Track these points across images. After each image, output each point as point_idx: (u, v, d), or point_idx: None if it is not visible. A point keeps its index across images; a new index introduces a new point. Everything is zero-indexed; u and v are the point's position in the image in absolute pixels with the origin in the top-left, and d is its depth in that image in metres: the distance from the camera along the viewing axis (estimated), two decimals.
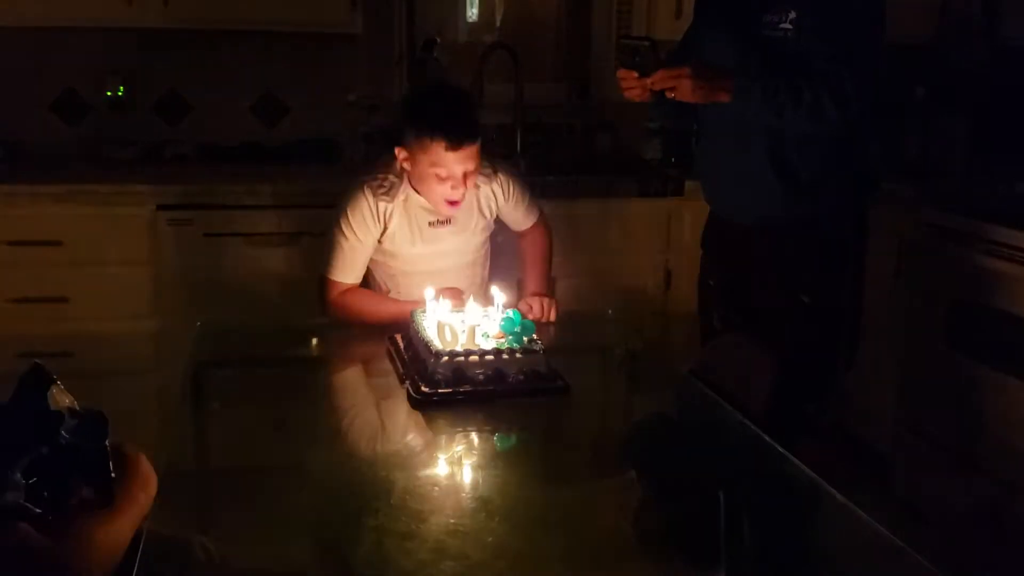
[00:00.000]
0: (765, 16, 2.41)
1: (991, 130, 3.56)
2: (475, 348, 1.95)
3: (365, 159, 3.52)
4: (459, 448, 1.79)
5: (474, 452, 1.79)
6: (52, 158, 3.45)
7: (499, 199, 2.53)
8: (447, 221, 2.44)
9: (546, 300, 2.44)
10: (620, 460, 1.86)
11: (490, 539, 1.43)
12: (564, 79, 4.06)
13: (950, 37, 3.69)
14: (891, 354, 3.33)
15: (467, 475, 1.68)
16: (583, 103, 3.99)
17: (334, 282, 2.42)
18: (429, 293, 2.13)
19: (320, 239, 2.90)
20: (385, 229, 2.41)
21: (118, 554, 1.16)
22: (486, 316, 2.05)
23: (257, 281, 3.17)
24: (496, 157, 2.61)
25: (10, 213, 3.08)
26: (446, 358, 1.91)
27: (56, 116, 3.59)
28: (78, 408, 1.20)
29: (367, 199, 2.39)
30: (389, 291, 2.54)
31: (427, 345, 1.96)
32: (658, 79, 2.34)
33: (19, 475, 1.09)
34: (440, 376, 1.90)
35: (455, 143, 2.26)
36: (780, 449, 1.74)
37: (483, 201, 2.51)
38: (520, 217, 2.61)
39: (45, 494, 1.12)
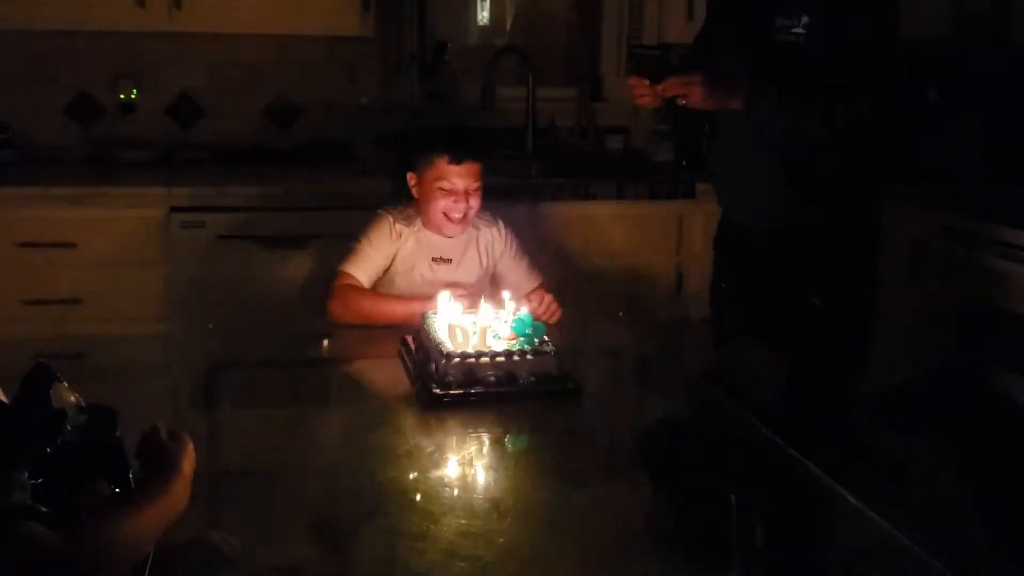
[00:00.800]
0: (777, 20, 2.40)
1: (1005, 133, 3.54)
2: (486, 350, 1.96)
3: (377, 162, 3.54)
4: (470, 449, 1.79)
5: (485, 453, 1.79)
6: (65, 161, 3.47)
7: (497, 247, 2.62)
8: (448, 260, 2.54)
9: (547, 296, 2.43)
10: (632, 462, 1.86)
11: (501, 540, 1.43)
12: (575, 81, 4.05)
13: (964, 39, 3.68)
14: (904, 357, 3.31)
15: (478, 476, 1.68)
16: (594, 106, 3.99)
17: (343, 272, 2.48)
18: (443, 295, 2.14)
19: (332, 240, 2.92)
20: (396, 252, 2.53)
21: (146, 546, 1.16)
22: (497, 318, 2.06)
23: (269, 283, 3.17)
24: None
25: (23, 215, 3.10)
26: (457, 359, 1.92)
27: (69, 119, 3.60)
28: (84, 405, 1.21)
29: (387, 221, 2.55)
30: None
31: (438, 347, 1.96)
32: (669, 86, 2.34)
33: (25, 475, 1.09)
34: (451, 377, 1.91)
35: (457, 157, 2.46)
36: (792, 452, 1.73)
37: (483, 244, 2.61)
38: (521, 277, 2.62)
39: (53, 493, 1.12)
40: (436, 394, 1.89)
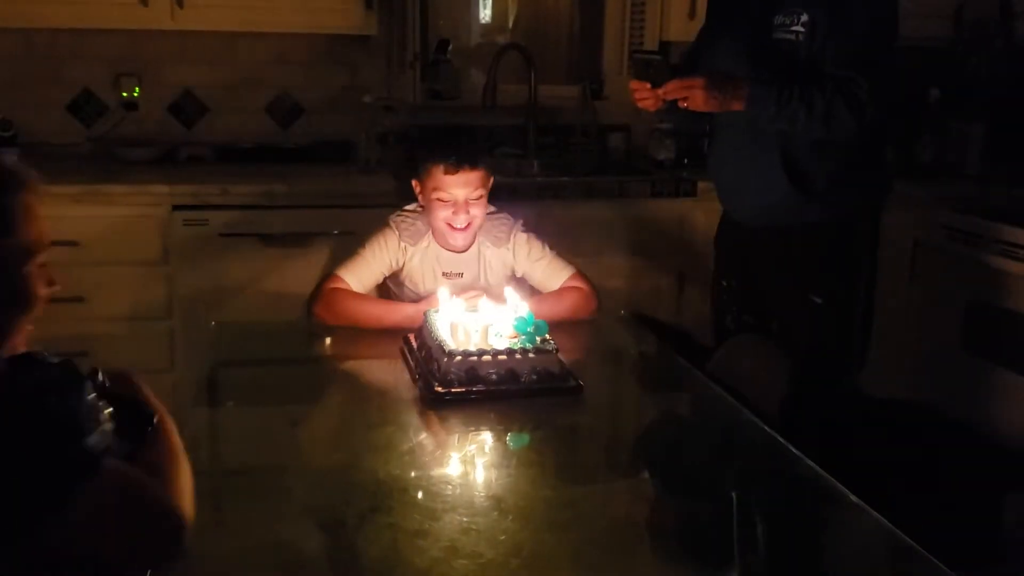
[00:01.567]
0: (776, 18, 2.40)
1: (1006, 132, 3.54)
2: (488, 348, 1.96)
3: (379, 160, 3.54)
4: (472, 447, 1.80)
5: (487, 451, 1.79)
6: (68, 159, 3.47)
7: (516, 260, 2.52)
8: (460, 274, 2.48)
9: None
10: (633, 460, 1.86)
11: (503, 538, 1.44)
12: (577, 80, 4.06)
13: (966, 39, 3.68)
14: (906, 355, 3.32)
15: (480, 474, 1.68)
16: (596, 104, 3.99)
17: (335, 275, 2.43)
18: (443, 293, 2.14)
19: (335, 238, 2.92)
20: (402, 268, 2.49)
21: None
22: (499, 316, 2.06)
23: (272, 281, 3.18)
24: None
25: None
26: (459, 358, 1.92)
27: (72, 117, 3.61)
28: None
29: (394, 235, 2.48)
30: None
31: (440, 345, 1.96)
32: (671, 89, 2.35)
33: (104, 415, 1.20)
34: (453, 376, 1.91)
35: (453, 167, 2.36)
36: (793, 450, 1.74)
37: (495, 262, 2.50)
38: (546, 275, 2.52)
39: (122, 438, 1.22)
40: (438, 392, 1.89)
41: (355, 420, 1.99)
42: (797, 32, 2.37)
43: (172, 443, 1.33)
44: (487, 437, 1.84)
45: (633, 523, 1.58)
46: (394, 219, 2.52)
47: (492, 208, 2.51)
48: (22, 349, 1.23)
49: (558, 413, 1.95)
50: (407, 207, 2.56)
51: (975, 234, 3.06)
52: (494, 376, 1.93)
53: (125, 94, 3.61)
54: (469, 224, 2.43)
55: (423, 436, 1.83)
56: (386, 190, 3.18)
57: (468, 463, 1.73)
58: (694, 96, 2.33)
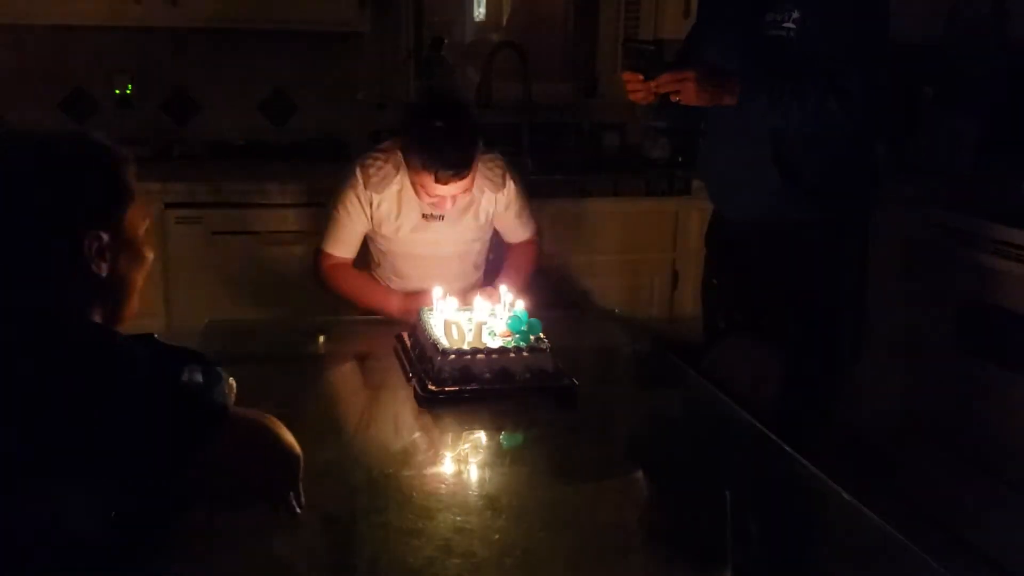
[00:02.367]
0: (768, 15, 2.40)
1: (999, 130, 3.55)
2: (482, 346, 1.96)
3: None
4: (466, 446, 1.80)
5: (481, 450, 1.79)
6: None
7: (499, 207, 2.54)
8: (441, 217, 2.44)
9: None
10: (626, 459, 1.86)
11: (496, 537, 1.44)
12: (571, 78, 4.05)
13: (959, 36, 3.68)
14: (898, 354, 3.32)
15: (473, 473, 1.68)
16: (590, 102, 3.99)
17: (326, 253, 2.49)
18: (437, 292, 2.14)
19: None
20: (373, 218, 2.44)
21: None
22: (493, 314, 2.06)
23: (265, 279, 3.18)
24: (503, 157, 2.59)
25: None
26: (453, 356, 1.92)
27: (64, 114, 3.60)
28: None
29: (359, 185, 2.41)
30: (391, 278, 2.56)
31: (434, 343, 1.96)
32: (663, 82, 2.35)
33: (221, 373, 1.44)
34: (447, 374, 1.91)
35: (444, 179, 2.27)
36: (786, 448, 1.74)
37: (483, 206, 2.51)
38: (514, 228, 2.61)
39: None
40: (431, 391, 1.89)
41: (348, 419, 1.99)
42: (788, 29, 2.37)
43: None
44: (481, 436, 1.84)
45: (626, 522, 1.58)
46: (361, 164, 2.43)
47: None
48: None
49: (552, 412, 1.95)
50: (380, 146, 2.48)
51: (968, 232, 3.06)
52: (488, 375, 1.93)
53: (118, 91, 3.60)
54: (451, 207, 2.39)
55: (416, 435, 1.83)
56: None
57: (462, 462, 1.73)
58: (686, 89, 2.33)
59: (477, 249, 2.60)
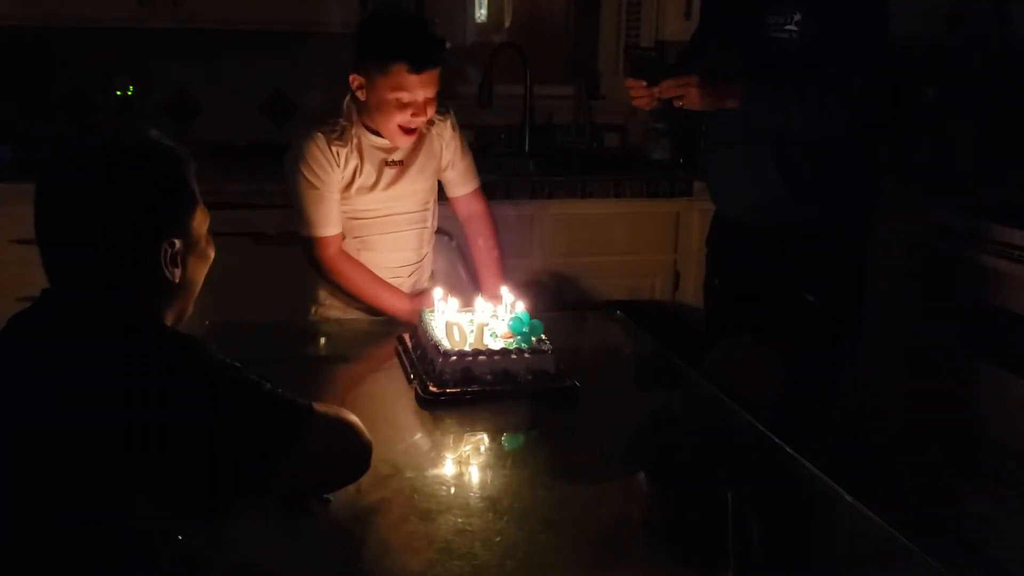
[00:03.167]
0: (770, 17, 2.41)
1: (1001, 130, 3.55)
2: (483, 348, 1.95)
3: None
4: (467, 448, 1.80)
5: (482, 452, 1.79)
6: None
7: (447, 139, 2.48)
8: (401, 162, 2.41)
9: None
10: (628, 460, 1.86)
11: (498, 539, 1.44)
12: (573, 79, 4.05)
13: (960, 37, 3.68)
14: (899, 354, 3.32)
15: (475, 475, 1.68)
16: (592, 103, 3.99)
17: (321, 239, 2.38)
18: (437, 293, 2.14)
19: None
20: (343, 177, 2.37)
21: None
22: (494, 316, 2.06)
23: (265, 280, 3.17)
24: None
25: (19, 212, 3.03)
26: (454, 358, 1.92)
27: (65, 115, 3.60)
28: None
29: (321, 145, 2.32)
30: (358, 249, 2.49)
31: (435, 345, 1.96)
32: (666, 88, 2.35)
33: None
34: (448, 376, 1.91)
35: (419, 65, 2.20)
36: (788, 449, 1.74)
37: (435, 140, 2.47)
38: (459, 176, 2.54)
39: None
40: (433, 392, 1.89)
41: None
42: (790, 31, 2.38)
43: None
44: (482, 437, 1.84)
45: (628, 523, 1.58)
46: (312, 131, 2.34)
47: None
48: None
49: (553, 413, 1.95)
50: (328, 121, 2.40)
51: (969, 233, 3.06)
52: (489, 376, 1.92)
53: (119, 92, 3.60)
54: (422, 123, 2.33)
55: (418, 436, 1.82)
56: None
57: (463, 464, 1.73)
58: (689, 94, 2.33)
59: (429, 216, 2.53)
